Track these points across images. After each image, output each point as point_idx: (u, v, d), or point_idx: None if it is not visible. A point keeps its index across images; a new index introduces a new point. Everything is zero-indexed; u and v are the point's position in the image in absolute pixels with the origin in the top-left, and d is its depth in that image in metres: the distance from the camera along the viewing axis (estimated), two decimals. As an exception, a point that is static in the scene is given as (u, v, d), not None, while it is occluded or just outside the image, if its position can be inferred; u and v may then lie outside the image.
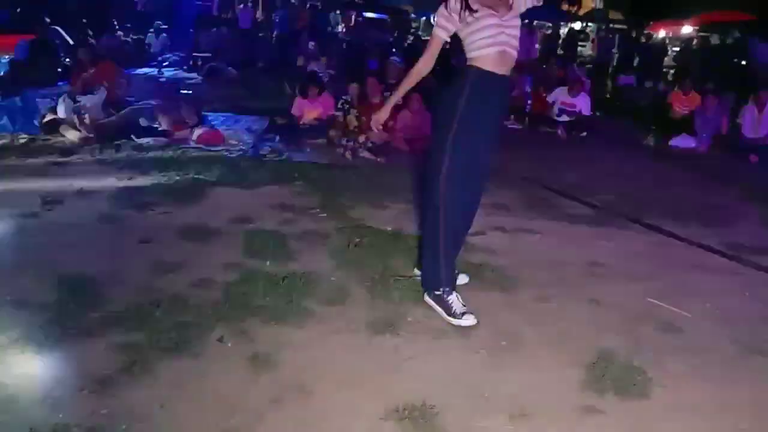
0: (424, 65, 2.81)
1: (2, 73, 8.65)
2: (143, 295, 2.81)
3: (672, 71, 15.30)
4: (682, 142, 8.01)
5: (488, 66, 2.68)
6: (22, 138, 5.52)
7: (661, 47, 17.22)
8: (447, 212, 2.77)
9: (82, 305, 2.68)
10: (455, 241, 2.90)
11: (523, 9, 2.78)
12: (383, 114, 3.03)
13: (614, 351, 2.60)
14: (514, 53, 2.74)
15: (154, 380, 2.22)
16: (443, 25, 2.71)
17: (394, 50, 12.65)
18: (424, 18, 22.58)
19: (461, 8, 2.63)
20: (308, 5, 17.25)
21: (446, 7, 2.67)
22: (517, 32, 2.74)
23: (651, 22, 21.12)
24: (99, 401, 2.08)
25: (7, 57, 9.50)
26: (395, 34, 16.89)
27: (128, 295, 2.80)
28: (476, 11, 2.63)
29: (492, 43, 2.66)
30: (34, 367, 2.26)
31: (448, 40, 2.82)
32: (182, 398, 2.15)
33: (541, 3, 2.80)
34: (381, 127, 3.19)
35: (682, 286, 3.38)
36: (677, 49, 18.34)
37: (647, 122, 8.92)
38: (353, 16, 18.20)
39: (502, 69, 2.71)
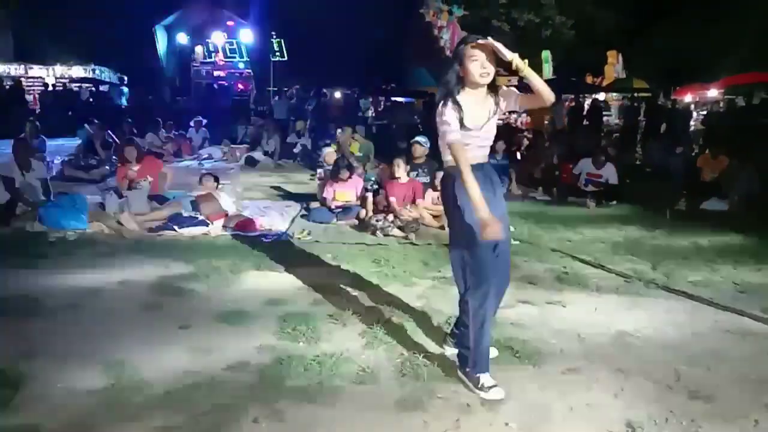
0: (467, 170, 2.72)
1: (56, 173, 9.26)
2: (182, 380, 2.94)
3: (701, 135, 15.34)
4: (713, 205, 7.99)
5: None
6: (71, 233, 5.87)
7: (688, 112, 17.37)
8: (477, 302, 2.85)
9: (125, 391, 2.83)
10: (484, 326, 2.89)
11: (502, 113, 2.99)
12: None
13: (643, 420, 2.60)
14: (487, 149, 2.95)
15: (192, 462, 2.32)
16: (453, 129, 2.76)
17: (420, 130, 13.10)
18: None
19: (457, 120, 2.76)
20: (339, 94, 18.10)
21: (444, 115, 2.77)
22: (492, 135, 2.94)
23: (676, 88, 21.35)
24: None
25: (60, 159, 10.24)
26: (422, 116, 17.50)
27: (168, 380, 2.94)
28: (467, 128, 2.78)
29: (470, 149, 2.82)
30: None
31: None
32: (218, 479, 2.23)
33: (518, 108, 2.98)
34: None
35: (715, 353, 3.36)
36: (704, 113, 18.47)
37: (678, 187, 8.94)
38: (382, 101, 18.96)
39: (478, 161, 2.85)
